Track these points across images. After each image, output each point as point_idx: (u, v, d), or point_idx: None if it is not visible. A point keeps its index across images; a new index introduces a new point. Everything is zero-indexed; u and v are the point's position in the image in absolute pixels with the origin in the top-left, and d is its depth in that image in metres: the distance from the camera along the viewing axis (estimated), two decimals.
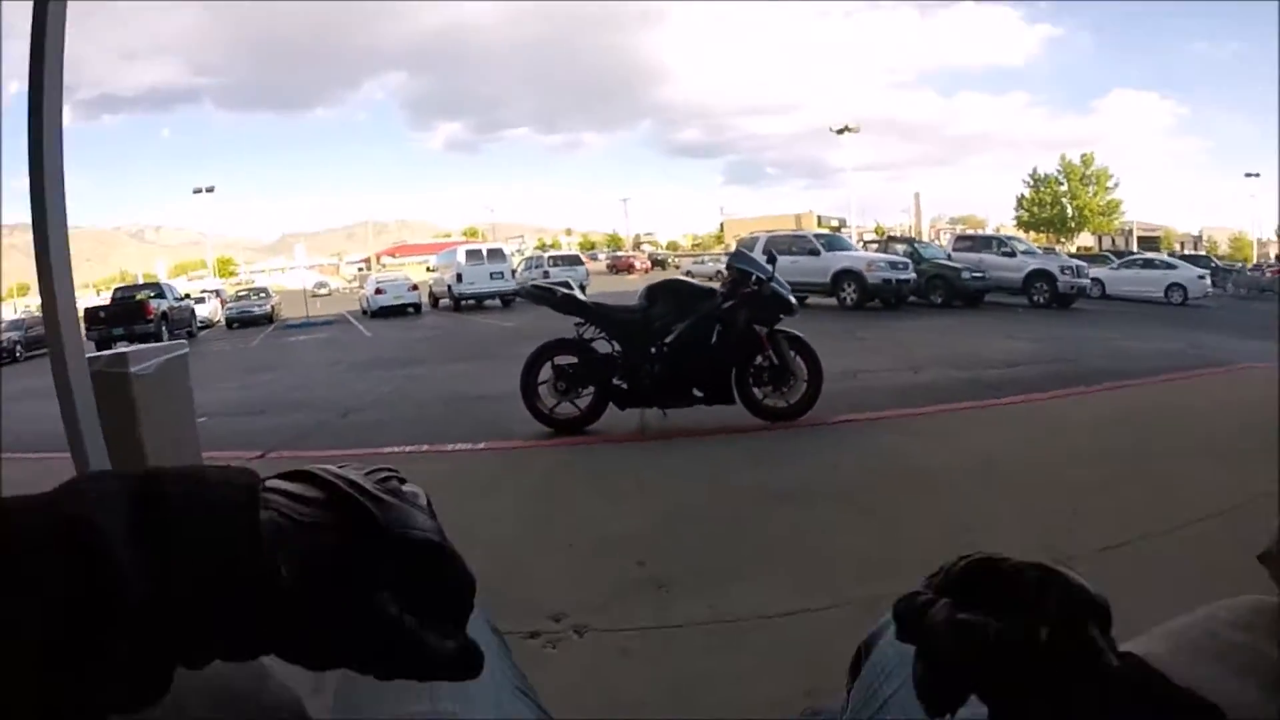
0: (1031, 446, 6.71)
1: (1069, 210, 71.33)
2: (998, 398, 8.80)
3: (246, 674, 0.82)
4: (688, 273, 51.37)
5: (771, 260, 7.95)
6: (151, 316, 26.27)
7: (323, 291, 68.93)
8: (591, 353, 7.65)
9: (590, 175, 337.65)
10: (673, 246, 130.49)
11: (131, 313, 26.46)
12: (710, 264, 57.02)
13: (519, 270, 39.13)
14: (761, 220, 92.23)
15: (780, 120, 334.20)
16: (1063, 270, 26.09)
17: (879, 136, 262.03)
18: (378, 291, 34.78)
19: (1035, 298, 25.68)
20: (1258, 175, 79.74)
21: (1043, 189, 73.60)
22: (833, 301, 23.91)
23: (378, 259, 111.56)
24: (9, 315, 47.59)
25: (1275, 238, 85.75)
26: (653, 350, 7.53)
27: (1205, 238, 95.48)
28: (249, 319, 35.91)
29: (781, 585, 3.87)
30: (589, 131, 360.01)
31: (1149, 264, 34.01)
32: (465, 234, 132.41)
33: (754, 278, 7.60)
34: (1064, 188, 72.28)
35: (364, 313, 35.20)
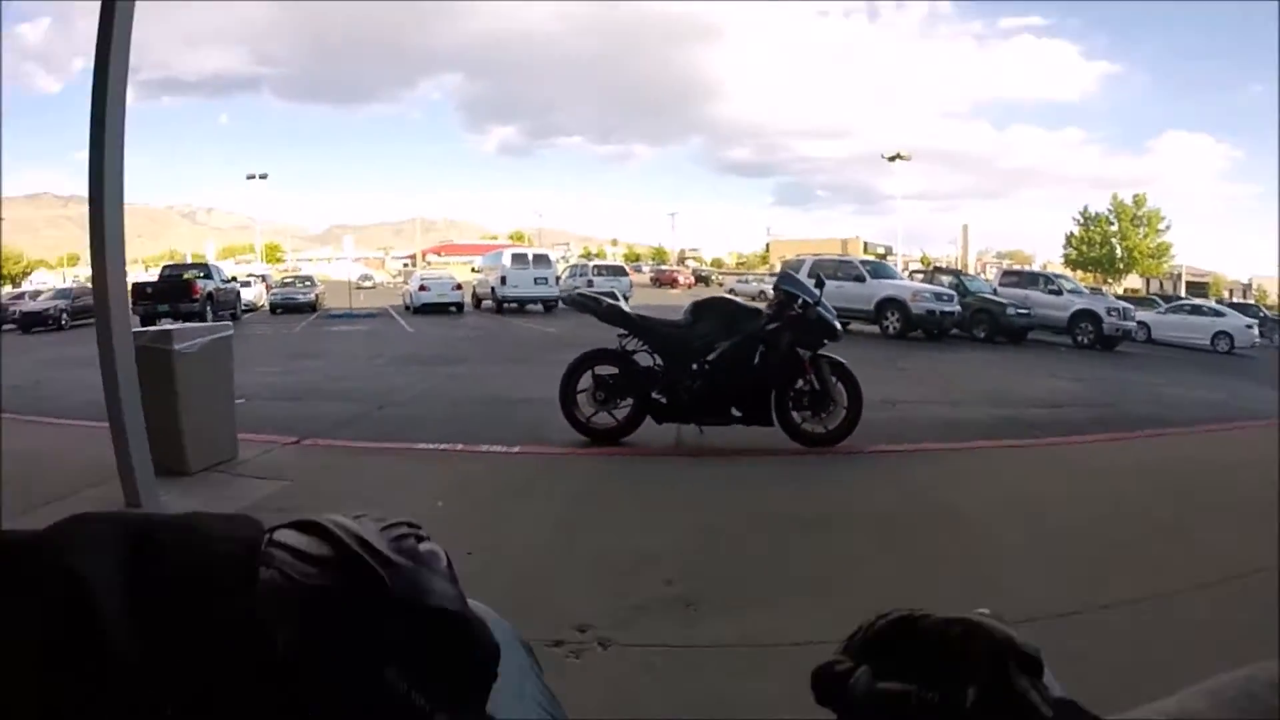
0: (1068, 491, 6.57)
1: (1118, 251, 70.51)
2: (1036, 438, 8.68)
3: None
4: (731, 291, 51.28)
5: (820, 285, 7.89)
6: (197, 296, 26.48)
7: (367, 284, 69.32)
8: (633, 365, 7.62)
9: (639, 187, 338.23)
10: (717, 264, 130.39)
11: (178, 291, 26.69)
12: (754, 284, 56.83)
13: (563, 277, 39.04)
14: (808, 243, 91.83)
15: (832, 144, 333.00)
16: (1109, 312, 25.69)
17: (930, 165, 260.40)
18: (421, 288, 34.82)
19: (1079, 338, 25.30)
20: None
21: (1093, 228, 72.78)
22: (875, 329, 23.71)
23: (423, 256, 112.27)
24: (57, 284, 48.33)
25: None
26: (694, 367, 7.48)
27: (1255, 286, 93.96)
28: (293, 306, 36.20)
29: (807, 614, 3.80)
30: (640, 144, 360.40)
31: (1196, 310, 33.47)
32: (512, 237, 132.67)
33: (800, 301, 7.54)
34: (1114, 228, 71.43)
35: (406, 308, 35.26)
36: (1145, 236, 70.11)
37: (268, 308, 37.71)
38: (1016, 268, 45.59)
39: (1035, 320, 25.61)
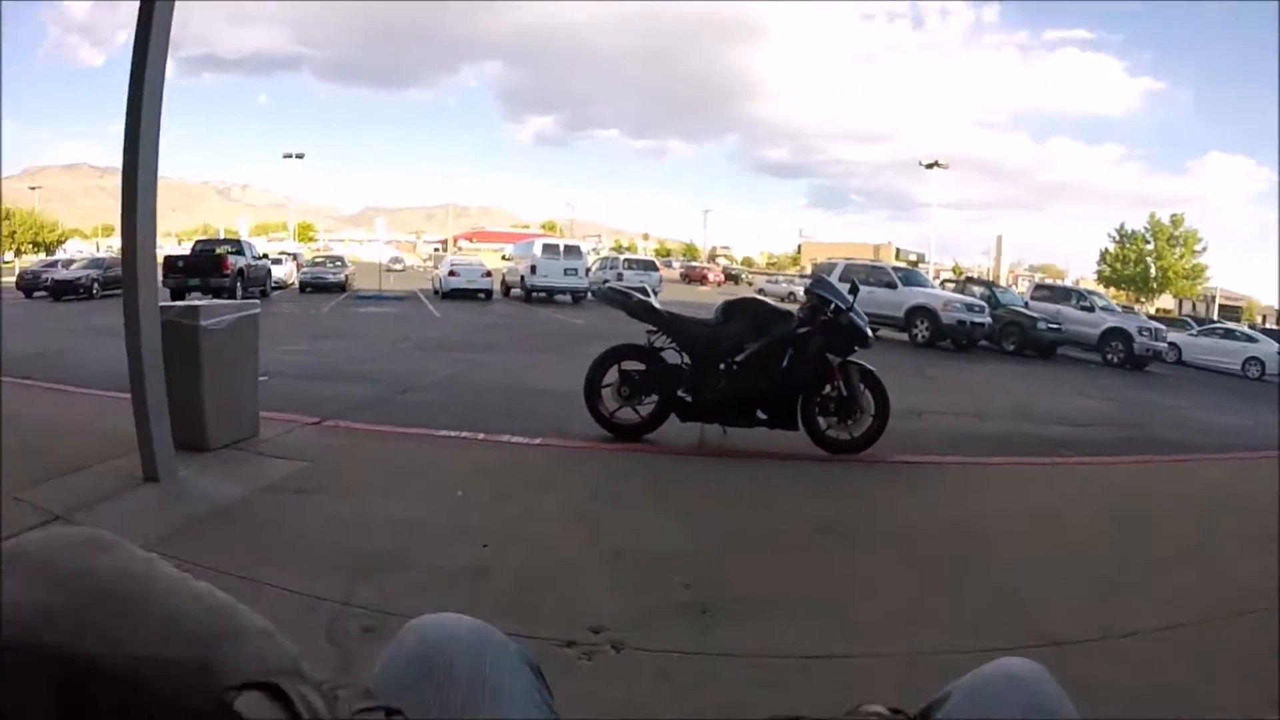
0: (1094, 513, 6.49)
1: (1153, 270, 69.71)
2: (1063, 456, 8.63)
3: None
4: (760, 291, 51.32)
5: (853, 290, 7.81)
6: (228, 272, 26.58)
7: (397, 267, 69.56)
8: (660, 361, 7.56)
9: (673, 183, 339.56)
10: (748, 263, 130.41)
11: (209, 266, 26.80)
12: (784, 284, 56.86)
13: (593, 269, 39.07)
14: (840, 246, 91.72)
15: (869, 148, 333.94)
16: (1140, 331, 25.49)
17: (967, 175, 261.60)
18: (451, 274, 34.88)
19: (1109, 356, 25.09)
20: None
21: (1128, 245, 72.00)
22: (904, 337, 23.63)
23: (455, 242, 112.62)
24: (91, 254, 48.73)
25: None
26: (722, 367, 7.42)
27: None
28: (322, 285, 36.35)
29: (825, 626, 3.78)
30: (676, 139, 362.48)
31: (1229, 334, 33.09)
32: (543, 227, 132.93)
33: (833, 305, 7.46)
34: (1150, 246, 70.58)
35: (435, 293, 35.34)
36: (1181, 257, 69.27)
37: (297, 286, 37.84)
38: (1049, 282, 45.32)
39: (1066, 336, 25.44)
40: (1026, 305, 26.94)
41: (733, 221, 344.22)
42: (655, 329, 7.60)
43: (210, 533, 4.49)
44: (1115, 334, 25.29)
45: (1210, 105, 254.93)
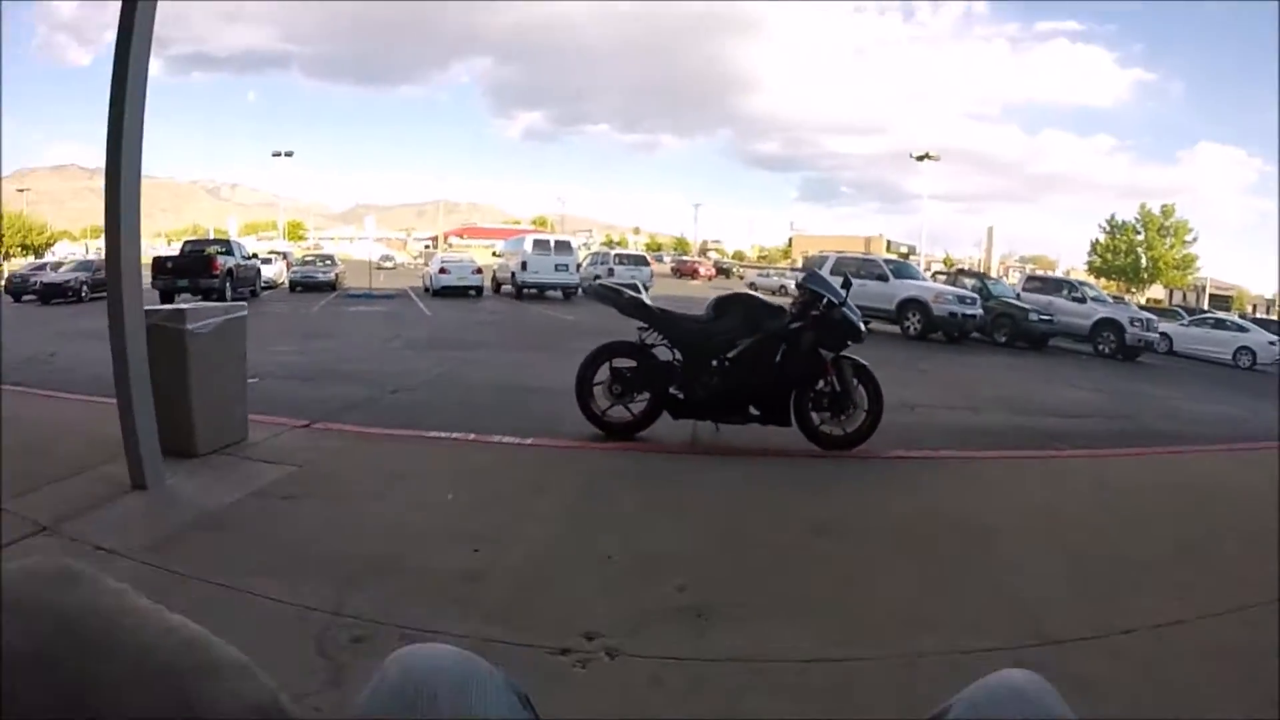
0: (1089, 507, 6.47)
1: (1143, 260, 69.98)
2: (1057, 449, 8.58)
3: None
4: (751, 284, 51.30)
5: (846, 285, 7.76)
6: (217, 272, 26.44)
7: (388, 265, 69.51)
8: (651, 358, 7.52)
9: (664, 177, 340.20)
10: (739, 256, 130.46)
11: (198, 266, 26.66)
12: (775, 278, 56.83)
13: (584, 265, 39.02)
14: (831, 239, 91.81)
15: (860, 141, 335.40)
16: (1132, 322, 25.56)
17: (958, 166, 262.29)
18: (442, 271, 34.88)
19: (1101, 347, 25.17)
20: None
21: (1119, 236, 72.20)
22: (896, 329, 23.66)
23: (445, 238, 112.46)
24: (80, 256, 48.60)
25: None
26: (714, 363, 7.38)
27: (1279, 301, 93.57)
28: (312, 284, 36.32)
29: (822, 628, 3.74)
30: (668, 134, 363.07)
31: (1220, 324, 33.17)
32: (534, 223, 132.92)
33: (825, 300, 7.42)
34: (1141, 237, 70.82)
35: (426, 290, 35.36)
36: (1171, 247, 69.52)
37: (288, 285, 37.75)
38: (1041, 273, 45.58)
39: (1057, 327, 25.53)
40: (1018, 297, 26.98)
41: (724, 215, 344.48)
42: (646, 326, 7.56)
43: (198, 541, 4.43)
44: (1107, 325, 25.35)
45: (1201, 96, 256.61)
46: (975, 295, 24.75)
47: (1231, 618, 4.21)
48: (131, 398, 5.12)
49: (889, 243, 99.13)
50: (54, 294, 29.00)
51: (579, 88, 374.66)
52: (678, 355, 7.52)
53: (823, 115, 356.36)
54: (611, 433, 7.45)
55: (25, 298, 29.72)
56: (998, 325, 24.83)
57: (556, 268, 33.56)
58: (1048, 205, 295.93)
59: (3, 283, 33.36)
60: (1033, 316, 24.91)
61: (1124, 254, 70.82)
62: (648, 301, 7.74)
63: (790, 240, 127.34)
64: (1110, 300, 30.14)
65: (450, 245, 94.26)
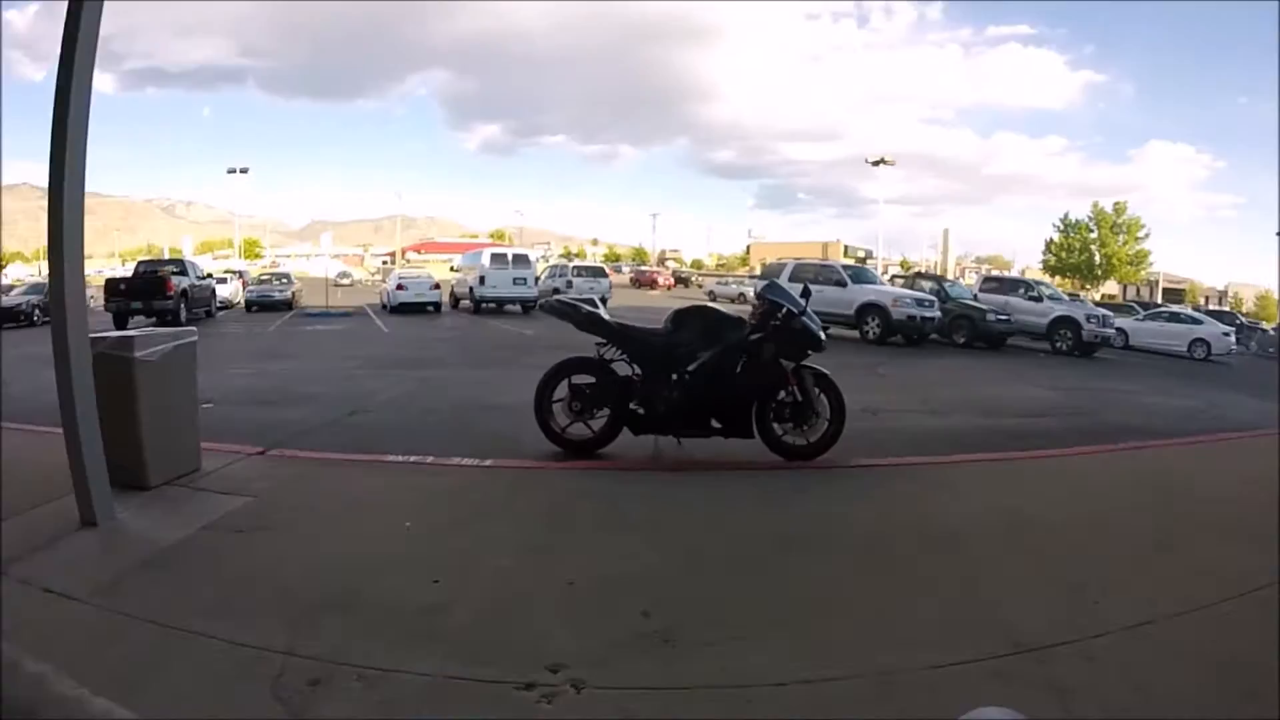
0: (1055, 508, 6.48)
1: (1097, 258, 70.94)
2: (1020, 450, 8.60)
3: None
4: (710, 293, 51.37)
5: (805, 294, 7.74)
6: (172, 293, 26.06)
7: (345, 282, 68.97)
8: (610, 374, 7.46)
9: (622, 188, 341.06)
10: (697, 265, 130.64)
11: (152, 287, 26.25)
12: (734, 286, 57.02)
13: (542, 278, 38.81)
14: (789, 246, 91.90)
15: (817, 147, 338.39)
16: (1088, 319, 25.85)
17: (913, 170, 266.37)
18: (399, 287, 34.51)
19: (1058, 344, 25.48)
20: None
21: (1072, 235, 73.12)
22: (855, 334, 23.75)
23: (403, 254, 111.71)
24: (32, 278, 47.87)
25: None
26: (674, 377, 7.32)
27: (1231, 293, 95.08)
28: (269, 303, 35.77)
29: (793, 648, 3.69)
30: (625, 144, 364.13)
31: (1174, 317, 33.78)
32: (492, 236, 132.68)
33: (784, 310, 7.39)
34: (1094, 235, 71.82)
35: (384, 307, 35.02)
36: (1124, 244, 70.52)
37: (244, 305, 37.30)
38: (998, 274, 45.95)
39: (1015, 326, 25.77)
40: (975, 298, 27.26)
41: (682, 224, 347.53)
42: (605, 341, 7.49)
43: (149, 581, 4.29)
44: (1063, 322, 25.69)
45: (1151, 96, 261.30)
46: (933, 298, 24.91)
47: (1202, 614, 4.25)
48: (79, 431, 4.98)
49: (846, 247, 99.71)
50: (5, 319, 28.48)
51: (537, 99, 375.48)
52: (637, 370, 7.46)
53: (779, 123, 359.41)
54: (572, 450, 7.36)
55: None
56: (956, 327, 25.00)
57: (515, 281, 33.37)
58: (1002, 206, 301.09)
59: None
60: (990, 317, 25.08)
61: (1078, 252, 71.77)
62: (605, 316, 7.66)
63: (748, 248, 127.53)
64: (1066, 298, 30.45)
65: (408, 261, 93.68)
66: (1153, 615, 4.16)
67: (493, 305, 33.55)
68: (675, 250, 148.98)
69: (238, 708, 3.01)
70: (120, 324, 22.51)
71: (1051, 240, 74.63)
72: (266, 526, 5.18)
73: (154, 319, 23.40)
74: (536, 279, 35.88)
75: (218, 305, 32.97)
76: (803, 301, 7.52)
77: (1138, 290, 71.45)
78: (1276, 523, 5.60)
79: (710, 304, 9.06)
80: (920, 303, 24.02)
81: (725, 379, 7.31)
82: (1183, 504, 6.72)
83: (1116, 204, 72.16)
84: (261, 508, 5.54)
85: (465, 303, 35.25)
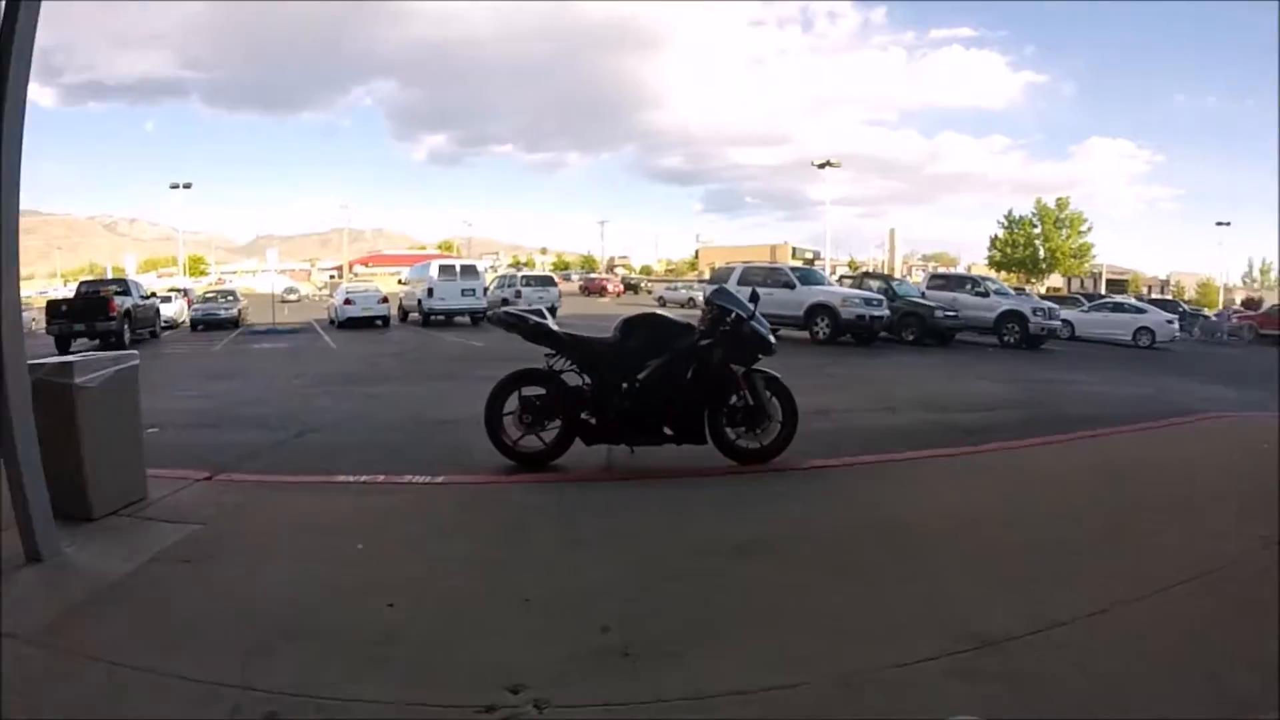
0: (1010, 501, 6.60)
1: (1041, 252, 72.28)
2: (973, 445, 8.74)
3: None
4: (660, 298, 51.38)
5: (754, 298, 7.74)
6: (115, 314, 25.56)
7: (292, 298, 68.36)
8: (560, 385, 7.41)
9: (570, 195, 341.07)
10: (646, 271, 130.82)
11: (94, 308, 25.74)
12: (684, 291, 57.08)
13: (491, 288, 38.62)
14: (737, 250, 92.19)
15: (764, 152, 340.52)
16: (1034, 312, 26.39)
17: (859, 172, 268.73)
18: (347, 302, 34.09)
19: (1006, 338, 26.00)
20: (1228, 224, 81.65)
21: (1017, 231, 74.54)
22: (805, 335, 23.85)
23: (350, 267, 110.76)
24: None
25: (1241, 284, 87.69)
26: (624, 386, 7.29)
27: (1173, 282, 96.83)
28: (214, 322, 35.19)
29: (756, 655, 3.68)
30: (572, 152, 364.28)
31: (1119, 307, 34.58)
32: (440, 247, 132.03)
33: (733, 315, 7.39)
34: (1038, 230, 73.25)
35: (331, 322, 34.66)
36: (1067, 238, 72.00)
37: (189, 324, 36.74)
38: (944, 271, 46.69)
39: (963, 322, 26.17)
40: (923, 295, 27.65)
41: (630, 231, 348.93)
42: (554, 351, 7.45)
43: (98, 618, 4.15)
44: (1010, 316, 26.20)
45: (1091, 94, 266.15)
46: (881, 297, 25.12)
47: (1158, 598, 4.35)
48: (19, 462, 4.84)
49: (794, 249, 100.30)
50: None
51: (483, 108, 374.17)
52: (587, 379, 7.43)
53: (726, 128, 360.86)
54: (524, 463, 7.31)
55: None
56: (905, 324, 25.26)
57: (463, 293, 33.16)
58: (947, 205, 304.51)
59: None
60: (938, 313, 25.43)
61: (1022, 247, 73.11)
62: (553, 326, 7.60)
63: (697, 252, 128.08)
64: (1012, 292, 30.84)
65: (355, 274, 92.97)
66: (1110, 602, 4.24)
67: (442, 317, 33.39)
68: (624, 257, 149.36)
69: None
70: (63, 347, 22.04)
71: (996, 236, 76.10)
72: (216, 555, 5.05)
73: (97, 341, 22.97)
74: (485, 290, 35.72)
75: (162, 325, 32.37)
76: (751, 306, 7.53)
77: (1082, 282, 72.87)
78: (1228, 504, 5.73)
79: (659, 311, 9.02)
80: (868, 302, 24.17)
81: (676, 386, 7.29)
82: (1135, 491, 6.86)
83: (1059, 199, 73.99)
84: (210, 536, 5.41)
85: (414, 316, 35.08)
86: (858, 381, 15.43)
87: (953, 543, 5.41)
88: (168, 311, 35.85)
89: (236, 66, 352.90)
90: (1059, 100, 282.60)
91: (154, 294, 35.80)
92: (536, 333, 7.48)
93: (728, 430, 7.44)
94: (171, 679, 3.41)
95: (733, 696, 3.28)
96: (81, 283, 33.60)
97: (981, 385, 15.38)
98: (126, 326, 25.63)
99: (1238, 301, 68.28)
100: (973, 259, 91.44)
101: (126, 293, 28.10)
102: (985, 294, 27.55)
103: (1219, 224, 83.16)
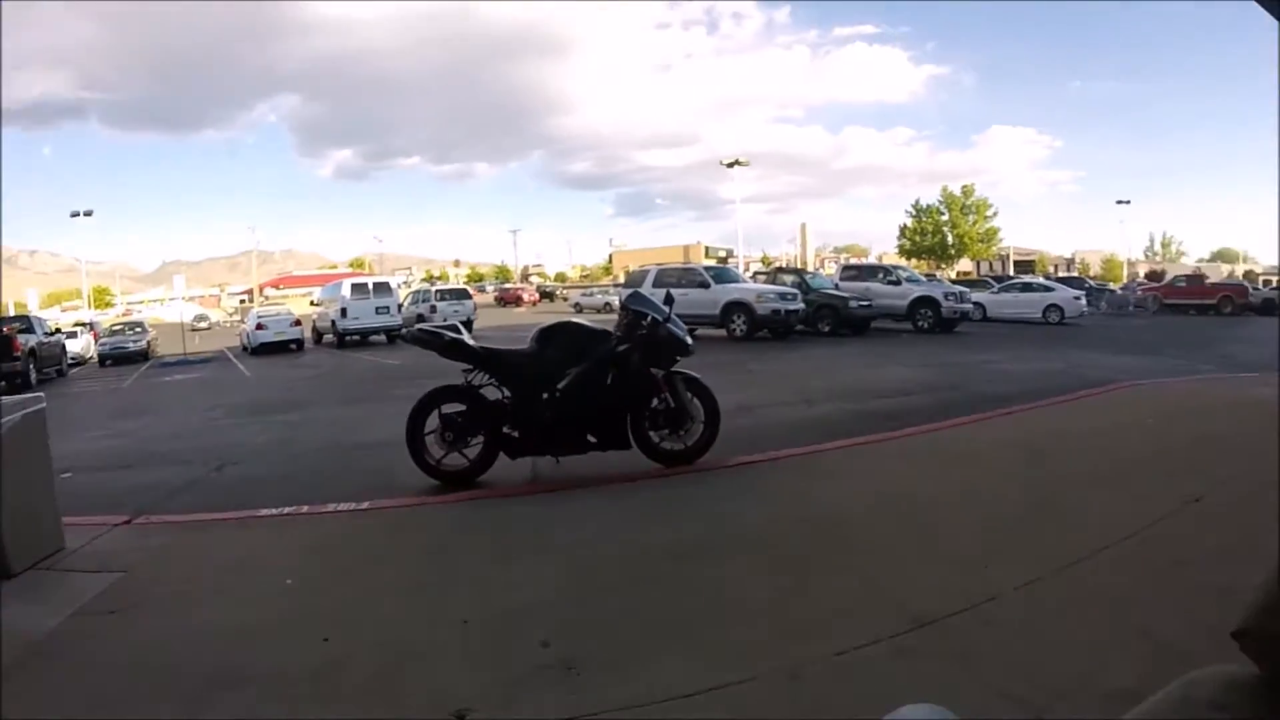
0: (934, 481, 6.75)
1: (949, 238, 73.69)
2: (894, 430, 8.87)
3: None
4: (576, 305, 51.39)
5: (669, 301, 7.78)
6: (19, 353, 24.77)
7: (202, 325, 66.96)
8: (480, 400, 7.37)
9: (481, 206, 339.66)
10: (561, 278, 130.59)
11: None
12: (599, 296, 57.14)
13: (405, 304, 38.25)
14: (650, 252, 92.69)
15: (673, 153, 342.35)
16: (946, 296, 26.99)
17: (768, 169, 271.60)
18: (259, 327, 33.43)
19: (920, 323, 26.52)
20: (1128, 202, 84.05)
21: (925, 219, 75.89)
22: (722, 333, 24.03)
23: (261, 290, 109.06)
24: None
25: (1145, 258, 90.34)
26: (545, 396, 7.28)
27: (1078, 260, 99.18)
28: (123, 356, 34.23)
29: (700, 656, 3.69)
30: (481, 162, 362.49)
31: (1028, 287, 35.61)
32: (352, 265, 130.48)
33: (649, 319, 7.42)
34: (945, 217, 74.62)
35: (244, 349, 33.97)
36: (974, 223, 73.58)
37: (97, 359, 35.79)
38: (856, 262, 47.29)
39: (877, 310, 26.55)
40: (836, 287, 28.12)
41: (543, 239, 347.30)
42: (471, 367, 7.40)
43: (25, 681, 3.93)
44: (923, 302, 26.75)
45: (991, 84, 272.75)
46: (795, 291, 25.49)
47: (1086, 564, 4.49)
48: None
49: (707, 249, 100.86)
50: None
51: (388, 121, 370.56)
52: (507, 393, 7.40)
53: (634, 130, 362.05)
54: (449, 482, 7.24)
55: None
56: (820, 316, 25.54)
57: (377, 311, 32.77)
58: (856, 197, 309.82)
59: None
60: (853, 304, 25.78)
61: (931, 234, 74.51)
62: (469, 341, 7.55)
63: (611, 257, 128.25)
64: (923, 279, 31.42)
65: (266, 298, 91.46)
66: (1040, 572, 4.37)
67: (357, 337, 32.94)
68: (538, 265, 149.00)
69: None
70: None
71: (905, 226, 77.43)
72: (142, 604, 4.87)
73: (2, 384, 22.31)
74: (400, 306, 35.45)
75: (69, 362, 31.43)
76: (666, 308, 7.57)
77: (991, 265, 74.26)
78: (1147, 468, 5.93)
79: (575, 318, 9.01)
80: (783, 297, 24.45)
81: (596, 393, 7.30)
82: (1053, 462, 7.07)
83: (965, 187, 75.70)
84: (134, 583, 5.22)
85: (329, 337, 34.63)
86: (777, 376, 15.61)
87: (882, 528, 5.53)
88: (74, 347, 34.84)
89: (135, 85, 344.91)
90: (961, 92, 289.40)
91: (59, 330, 34.80)
92: (452, 349, 7.42)
93: (651, 434, 7.48)
94: None
95: (680, 700, 3.29)
96: None
97: (898, 371, 15.62)
98: (32, 366, 24.90)
99: (1141, 275, 70.17)
100: (884, 249, 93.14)
101: (30, 330, 27.23)
102: (897, 282, 27.99)
103: (1119, 202, 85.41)
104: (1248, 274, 72.15)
